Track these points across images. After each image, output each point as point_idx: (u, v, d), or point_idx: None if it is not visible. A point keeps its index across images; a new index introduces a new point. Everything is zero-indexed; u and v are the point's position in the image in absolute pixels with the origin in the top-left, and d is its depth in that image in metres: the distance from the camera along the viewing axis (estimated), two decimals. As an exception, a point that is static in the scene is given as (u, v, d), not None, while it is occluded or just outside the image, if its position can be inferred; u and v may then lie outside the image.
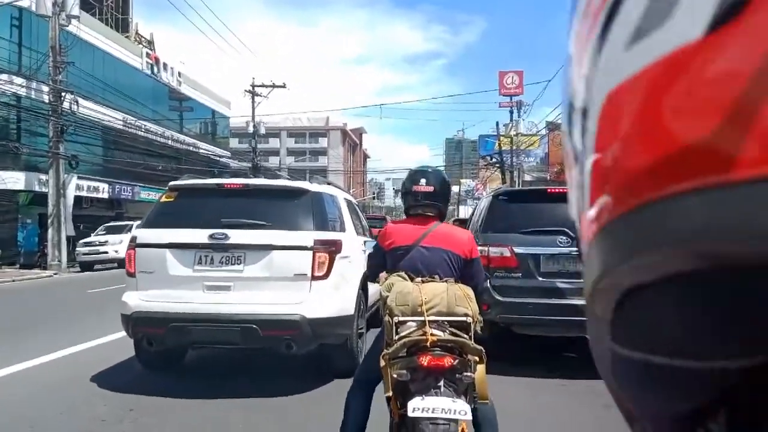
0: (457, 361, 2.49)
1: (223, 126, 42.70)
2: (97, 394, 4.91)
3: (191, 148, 34.47)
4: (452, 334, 2.58)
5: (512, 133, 35.11)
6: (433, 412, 2.37)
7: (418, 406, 2.39)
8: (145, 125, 28.72)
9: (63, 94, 20.61)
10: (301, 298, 4.89)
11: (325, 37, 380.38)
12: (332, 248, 5.06)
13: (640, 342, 0.40)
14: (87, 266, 20.88)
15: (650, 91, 0.34)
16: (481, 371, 2.52)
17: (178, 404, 4.63)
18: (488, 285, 5.34)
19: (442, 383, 2.46)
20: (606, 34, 0.38)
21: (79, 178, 23.32)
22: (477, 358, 2.53)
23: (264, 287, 4.92)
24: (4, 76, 20.45)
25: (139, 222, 6.39)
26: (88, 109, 22.52)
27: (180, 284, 4.98)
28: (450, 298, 2.65)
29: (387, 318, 2.67)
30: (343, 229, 5.71)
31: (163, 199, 5.52)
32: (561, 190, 5.72)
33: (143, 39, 35.78)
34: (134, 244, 5.19)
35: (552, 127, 33.86)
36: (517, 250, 5.65)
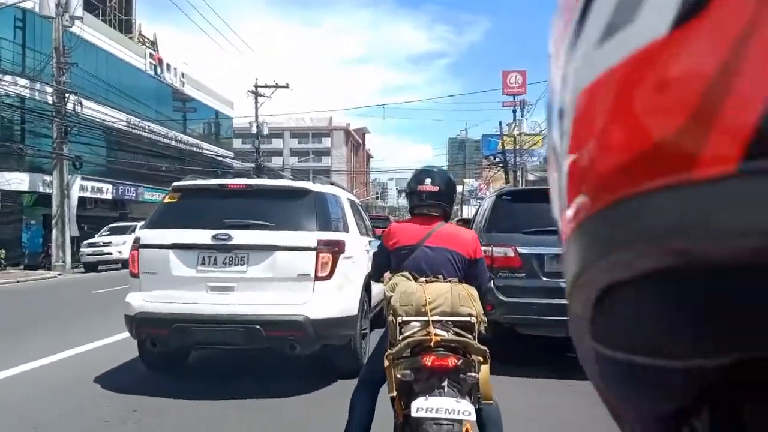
0: (461, 361, 2.48)
1: (227, 126, 42.79)
2: (101, 394, 4.92)
3: (195, 149, 34.56)
4: (456, 334, 2.57)
5: (515, 132, 35.03)
6: (436, 413, 2.36)
7: (421, 407, 2.38)
8: (148, 126, 28.80)
9: (66, 95, 20.69)
10: (304, 299, 4.88)
11: (329, 37, 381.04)
12: (335, 249, 5.05)
13: (619, 341, 0.39)
14: (91, 267, 20.91)
15: (621, 89, 0.34)
16: (485, 371, 2.51)
17: (181, 405, 4.63)
18: (492, 285, 5.32)
19: (446, 383, 2.45)
20: (580, 30, 0.38)
21: (83, 179, 23.36)
22: (481, 359, 2.52)
23: (267, 288, 4.92)
24: (8, 78, 20.53)
25: (142, 223, 6.40)
26: (91, 110, 22.58)
27: (183, 285, 4.98)
28: (454, 298, 2.65)
29: (391, 318, 2.67)
30: (346, 230, 5.70)
31: (167, 199, 5.52)
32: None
33: (146, 40, 35.86)
34: (138, 245, 5.19)
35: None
36: (521, 250, 5.64)
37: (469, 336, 2.59)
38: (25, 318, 9.81)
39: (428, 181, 3.03)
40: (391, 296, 2.70)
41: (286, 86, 36.24)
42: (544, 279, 5.59)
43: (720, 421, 0.38)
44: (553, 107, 0.44)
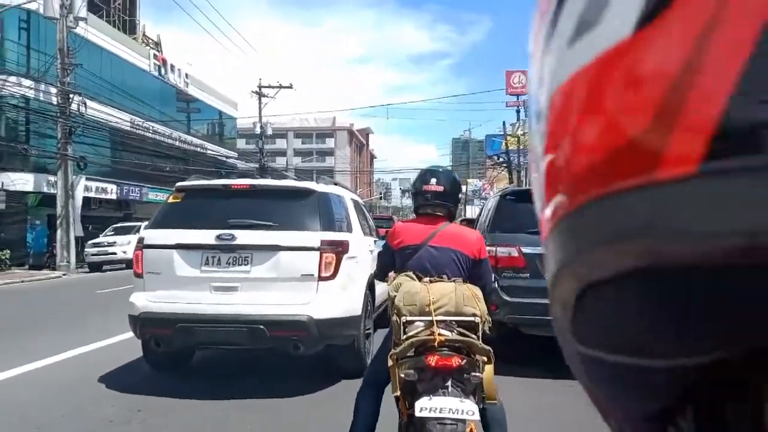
0: (465, 361, 2.48)
1: (231, 127, 42.84)
2: (105, 394, 4.93)
3: (199, 149, 34.62)
4: (460, 334, 2.57)
5: (519, 132, 35.02)
6: (440, 412, 2.36)
7: (425, 406, 2.38)
8: (152, 126, 28.88)
9: (71, 95, 20.74)
10: (308, 299, 4.88)
11: (331, 37, 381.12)
12: (339, 249, 5.05)
13: (600, 340, 0.39)
14: (96, 267, 20.96)
15: (591, 89, 0.34)
16: (489, 371, 2.51)
17: (185, 405, 4.64)
18: (496, 285, 5.31)
19: (449, 383, 2.45)
20: (553, 30, 0.38)
21: (87, 179, 23.45)
22: (485, 359, 2.52)
23: (271, 288, 4.92)
24: (13, 79, 20.61)
25: (146, 223, 6.42)
26: (95, 110, 22.66)
27: (187, 285, 4.99)
28: (458, 298, 2.64)
29: (395, 318, 2.66)
30: (350, 230, 5.70)
31: (171, 200, 5.52)
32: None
33: (150, 41, 35.94)
34: (142, 245, 5.20)
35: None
36: (525, 250, 5.62)
37: (473, 336, 2.59)
38: (29, 318, 9.84)
39: (433, 181, 3.02)
40: (395, 296, 2.70)
41: (290, 87, 36.34)
42: (548, 279, 5.57)
43: (704, 420, 0.38)
44: (532, 107, 0.44)
